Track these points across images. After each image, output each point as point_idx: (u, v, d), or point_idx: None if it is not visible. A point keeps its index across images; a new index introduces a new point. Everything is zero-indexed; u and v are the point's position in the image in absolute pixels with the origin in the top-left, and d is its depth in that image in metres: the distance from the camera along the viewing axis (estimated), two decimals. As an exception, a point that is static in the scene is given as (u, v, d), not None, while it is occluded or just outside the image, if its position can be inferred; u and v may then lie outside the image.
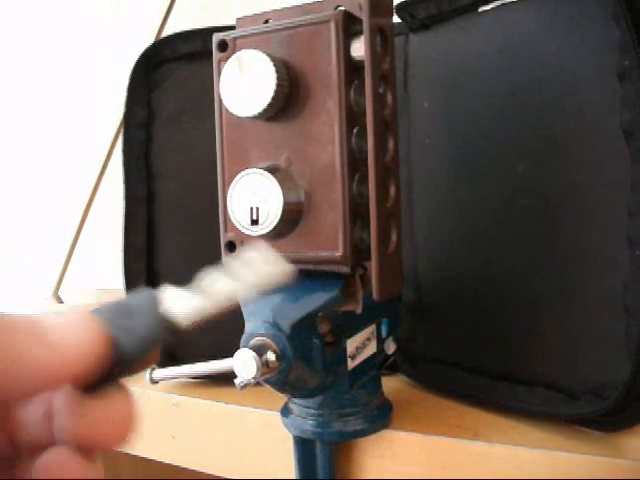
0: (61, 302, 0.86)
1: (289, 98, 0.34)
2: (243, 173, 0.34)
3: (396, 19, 0.41)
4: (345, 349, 0.38)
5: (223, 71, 0.34)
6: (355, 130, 0.34)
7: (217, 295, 0.21)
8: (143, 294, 0.20)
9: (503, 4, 0.42)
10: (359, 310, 0.36)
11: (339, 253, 0.34)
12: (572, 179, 0.39)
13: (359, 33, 0.33)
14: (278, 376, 0.34)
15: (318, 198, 0.34)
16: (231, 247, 0.37)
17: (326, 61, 0.33)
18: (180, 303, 0.20)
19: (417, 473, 0.40)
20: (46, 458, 0.19)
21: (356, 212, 0.34)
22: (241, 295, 0.21)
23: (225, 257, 0.38)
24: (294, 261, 0.36)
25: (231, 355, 0.33)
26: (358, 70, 0.33)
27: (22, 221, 1.12)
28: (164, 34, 0.76)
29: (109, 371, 0.19)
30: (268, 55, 0.33)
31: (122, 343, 0.19)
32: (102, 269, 0.87)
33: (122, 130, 0.54)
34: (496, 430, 0.40)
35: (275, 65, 0.33)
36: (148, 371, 0.39)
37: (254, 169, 0.34)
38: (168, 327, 0.20)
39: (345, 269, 0.35)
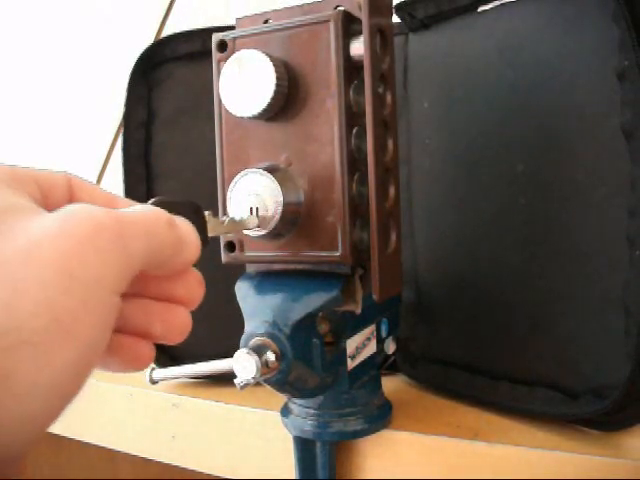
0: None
1: (288, 98, 0.34)
2: (243, 173, 0.34)
3: (395, 19, 0.41)
4: (345, 349, 0.38)
5: (223, 71, 0.34)
6: (355, 130, 0.34)
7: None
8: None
9: (502, 4, 0.42)
10: (359, 310, 0.36)
11: (339, 253, 0.34)
12: (572, 179, 0.39)
13: (358, 33, 0.33)
14: (278, 376, 0.34)
15: (318, 198, 0.34)
16: (230, 247, 0.37)
17: (325, 61, 0.33)
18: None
19: (417, 473, 0.40)
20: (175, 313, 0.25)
21: (356, 212, 0.34)
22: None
23: (224, 257, 0.37)
24: (294, 261, 0.36)
25: (231, 355, 0.33)
26: (358, 70, 0.33)
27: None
28: (164, 34, 0.76)
29: None
30: (267, 55, 0.33)
31: None
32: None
33: (122, 130, 0.54)
34: (496, 430, 0.40)
35: (274, 65, 0.33)
36: (148, 371, 0.39)
37: (254, 169, 0.34)
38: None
39: (345, 269, 0.35)
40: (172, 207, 0.26)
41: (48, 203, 0.22)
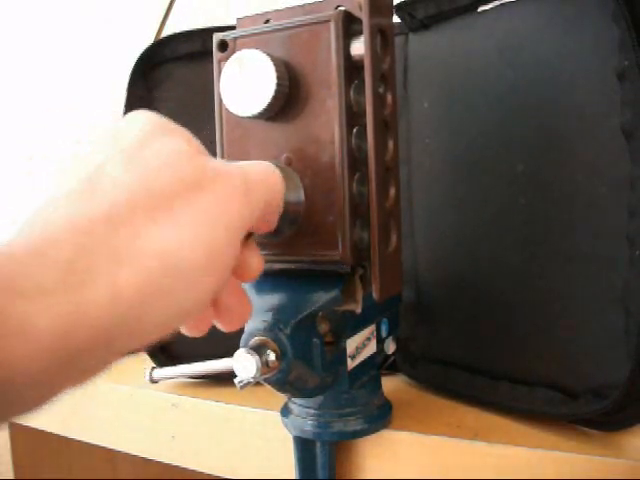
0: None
1: (289, 98, 0.34)
2: (243, 173, 0.34)
3: (395, 19, 0.41)
4: (345, 349, 0.38)
5: (223, 71, 0.34)
6: (355, 130, 0.34)
7: None
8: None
9: (502, 4, 0.42)
10: (359, 310, 0.36)
11: (339, 253, 0.34)
12: (572, 179, 0.39)
13: (359, 33, 0.33)
14: (278, 376, 0.34)
15: (318, 198, 0.34)
16: (231, 247, 0.37)
17: (326, 61, 0.33)
18: None
19: (417, 473, 0.40)
20: None
21: (356, 212, 0.34)
22: None
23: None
24: (294, 261, 0.36)
25: (231, 355, 0.33)
26: (358, 70, 0.33)
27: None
28: (164, 34, 0.76)
29: None
30: (268, 55, 0.33)
31: None
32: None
33: (122, 130, 0.53)
34: (496, 430, 0.40)
35: (275, 65, 0.33)
36: (148, 370, 0.39)
37: (254, 169, 0.34)
38: None
39: (345, 269, 0.35)
40: None
41: None
